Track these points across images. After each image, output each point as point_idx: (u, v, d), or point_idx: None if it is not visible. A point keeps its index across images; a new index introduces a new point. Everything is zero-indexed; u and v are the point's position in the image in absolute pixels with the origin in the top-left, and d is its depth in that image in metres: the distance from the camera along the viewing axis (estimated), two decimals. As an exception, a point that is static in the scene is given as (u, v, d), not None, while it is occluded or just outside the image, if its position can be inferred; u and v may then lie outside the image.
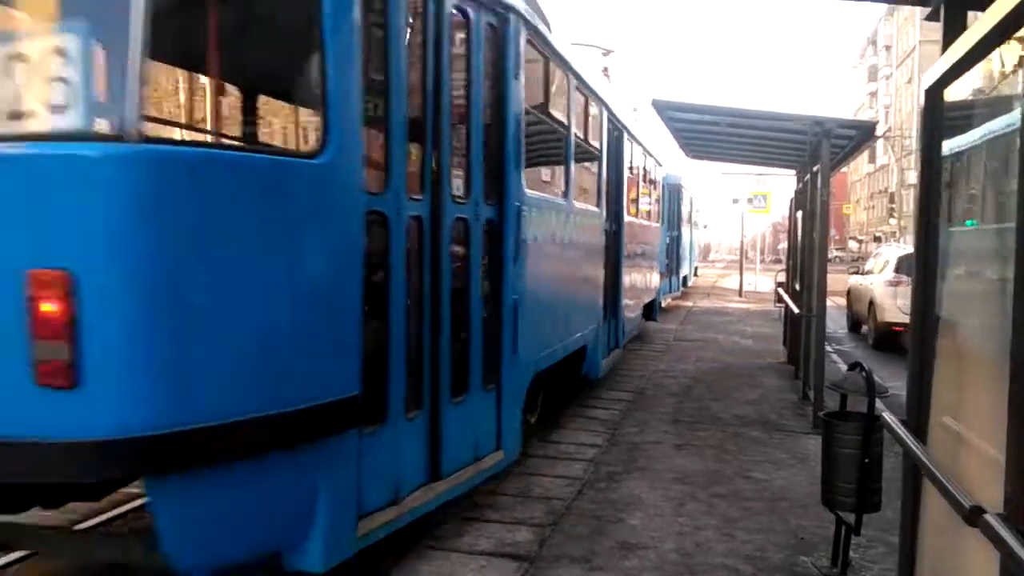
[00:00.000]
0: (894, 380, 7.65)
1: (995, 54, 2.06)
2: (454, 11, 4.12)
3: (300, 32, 3.11)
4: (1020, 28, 1.75)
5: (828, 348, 10.19)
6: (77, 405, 2.55)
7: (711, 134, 9.78)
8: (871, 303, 13.00)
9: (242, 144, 3.96)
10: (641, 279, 11.15)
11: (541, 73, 5.52)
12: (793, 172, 11.93)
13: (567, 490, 5.15)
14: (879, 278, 13.25)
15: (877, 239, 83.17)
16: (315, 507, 3.18)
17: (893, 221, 63.06)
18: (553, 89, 5.82)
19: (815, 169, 7.76)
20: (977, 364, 2.42)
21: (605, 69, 9.21)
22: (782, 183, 22.16)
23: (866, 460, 3.67)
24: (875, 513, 3.88)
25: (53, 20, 2.82)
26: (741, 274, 25.96)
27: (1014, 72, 2.23)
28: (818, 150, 7.26)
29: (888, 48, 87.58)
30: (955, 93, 2.49)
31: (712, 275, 40.13)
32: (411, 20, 3.77)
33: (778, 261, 64.77)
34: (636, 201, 10.54)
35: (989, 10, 1.81)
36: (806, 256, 8.91)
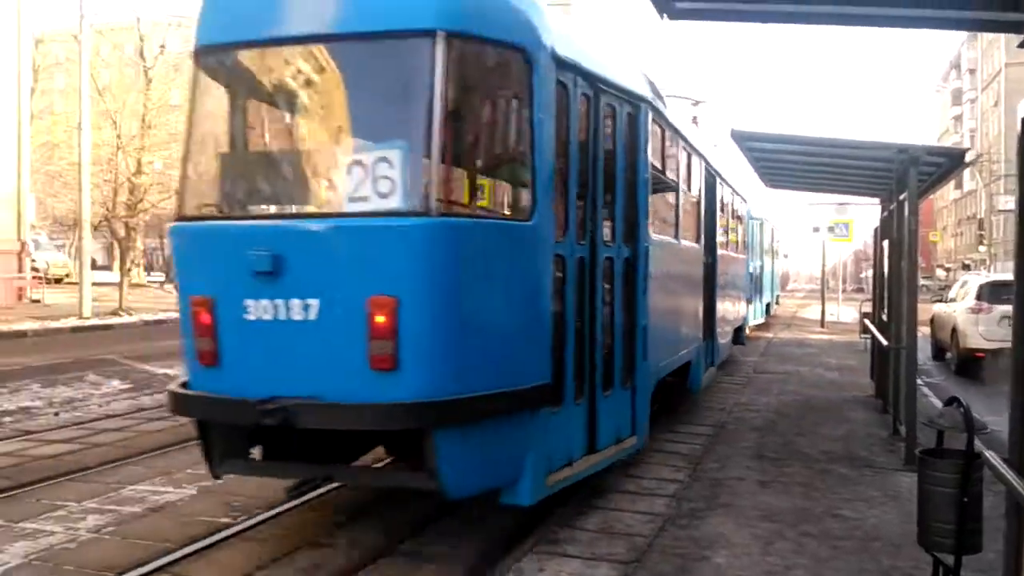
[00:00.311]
0: (977, 404, 7.33)
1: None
2: (605, 107, 5.45)
3: (519, 142, 4.71)
4: None
5: (919, 381, 9.85)
6: (396, 381, 4.02)
7: (791, 163, 9.63)
8: (954, 330, 13.21)
9: (489, 213, 5.63)
10: (731, 306, 12.25)
11: (659, 140, 6.76)
12: (877, 200, 11.62)
13: (649, 526, 5.07)
14: (961, 305, 13.39)
15: (966, 267, 79.94)
16: (526, 459, 4.51)
17: (983, 248, 60.57)
18: (667, 151, 7.14)
19: (902, 197, 7.56)
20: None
21: (695, 118, 10.50)
22: (864, 211, 21.63)
23: (965, 499, 3.52)
24: (975, 555, 3.71)
25: (382, 140, 4.40)
26: (823, 304, 25.29)
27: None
28: (905, 178, 7.08)
29: (972, 71, 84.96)
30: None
31: (792, 305, 39.12)
32: (580, 118, 5.10)
33: (860, 290, 63.07)
34: (726, 235, 11.65)
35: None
36: (894, 286, 8.64)
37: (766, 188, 12.60)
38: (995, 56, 74.38)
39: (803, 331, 22.18)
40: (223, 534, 4.86)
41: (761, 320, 21.02)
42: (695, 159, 8.58)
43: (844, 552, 4.66)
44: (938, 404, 9.21)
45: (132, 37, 41.49)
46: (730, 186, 11.67)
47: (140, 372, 11.82)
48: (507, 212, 5.39)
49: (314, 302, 4.10)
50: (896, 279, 8.33)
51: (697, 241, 8.88)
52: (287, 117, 5.00)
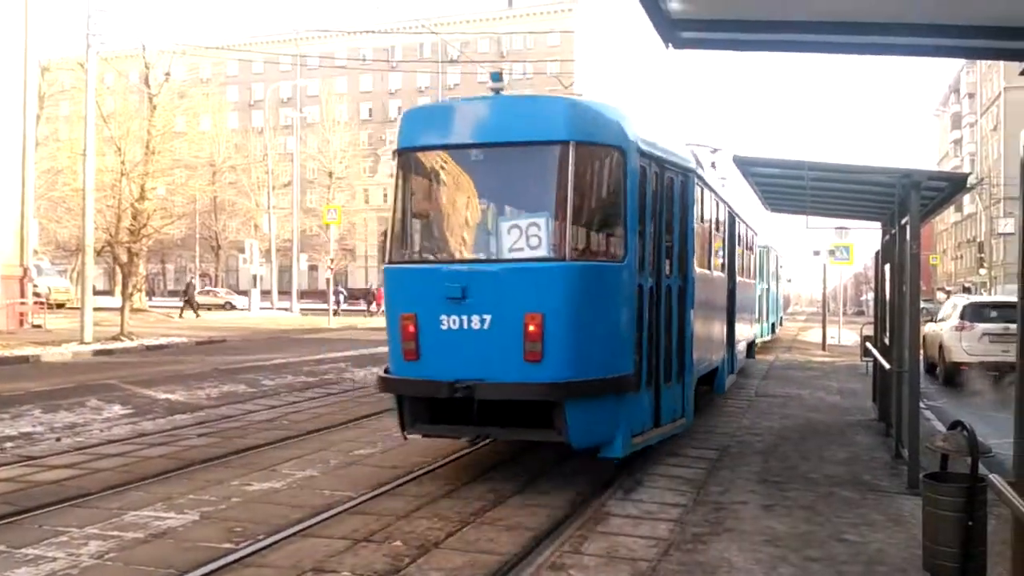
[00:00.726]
0: (980, 427, 7.30)
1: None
2: (667, 179, 7.40)
3: (616, 209, 6.65)
4: None
5: (921, 404, 9.82)
6: (540, 369, 6.04)
7: (792, 188, 9.67)
8: (941, 346, 14.67)
9: (598, 257, 7.03)
10: (746, 323, 14.50)
11: (700, 196, 8.63)
12: (878, 224, 11.65)
13: (653, 551, 5.05)
14: (948, 324, 15.08)
15: (966, 289, 79.88)
16: (619, 425, 6.45)
17: (983, 271, 60.55)
18: (704, 203, 9.10)
19: (903, 221, 7.59)
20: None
21: (713, 164, 11.64)
22: (864, 234, 21.82)
23: (970, 523, 3.51)
24: (982, 580, 3.69)
25: (532, 211, 6.55)
26: (824, 327, 25.28)
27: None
28: (907, 202, 7.10)
29: (971, 96, 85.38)
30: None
31: (793, 328, 39.06)
32: (652, 189, 7.06)
33: (860, 313, 62.95)
34: (742, 263, 13.48)
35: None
36: (895, 310, 8.65)
37: (768, 213, 12.65)
38: (994, 80, 74.81)
39: (805, 354, 22.15)
40: (228, 559, 4.84)
41: (768, 337, 22.71)
42: (721, 205, 10.61)
43: (849, 577, 4.64)
44: (941, 428, 9.19)
45: (137, 64, 41.82)
46: (744, 222, 13.39)
47: (142, 397, 11.81)
48: (609, 256, 6.85)
49: (488, 316, 6.19)
50: (897, 303, 8.34)
51: (723, 271, 10.97)
52: (465, 196, 7.03)
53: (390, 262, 7.00)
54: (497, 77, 9.05)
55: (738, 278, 12.35)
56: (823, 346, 23.97)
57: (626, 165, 6.58)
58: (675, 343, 7.64)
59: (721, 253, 10.87)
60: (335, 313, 45.55)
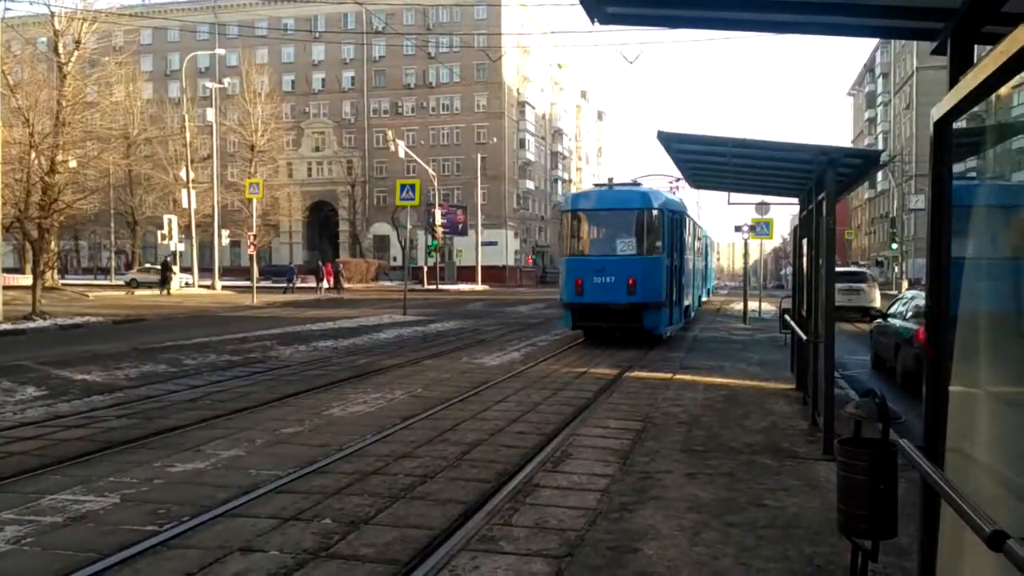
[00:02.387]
0: (890, 396, 7.64)
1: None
2: (677, 217, 18.21)
3: (661, 234, 17.09)
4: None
5: (836, 374, 10.19)
6: (634, 297, 16.57)
7: (715, 164, 9.86)
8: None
9: (653, 252, 17.18)
10: (699, 286, 27.24)
11: (687, 223, 20.13)
12: (796, 200, 11.99)
13: (581, 521, 5.15)
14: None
15: (879, 263, 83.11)
16: (662, 321, 17.03)
17: (895, 246, 62.92)
18: (687, 225, 19.88)
19: (820, 197, 7.83)
20: (994, 389, 2.45)
21: (676, 188, 23.26)
22: (782, 210, 22.90)
23: (881, 486, 3.67)
24: (891, 539, 3.87)
25: (632, 237, 17.25)
26: (745, 301, 25.96)
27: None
28: (823, 178, 7.33)
29: (886, 75, 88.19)
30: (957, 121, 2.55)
31: (716, 301, 40.13)
32: (682, 223, 18.98)
33: (780, 286, 64.72)
34: (697, 251, 24.61)
35: (997, 49, 1.87)
36: (812, 282, 8.93)
37: (692, 190, 12.97)
38: (907, 60, 77.30)
39: (727, 327, 22.74)
40: (151, 541, 4.74)
41: (707, 297, 35.11)
42: (690, 222, 20.76)
43: (768, 540, 4.82)
44: (855, 396, 9.56)
45: (45, 31, 39.92)
46: (699, 225, 25.92)
47: (56, 378, 11.41)
48: (656, 252, 16.66)
49: (612, 278, 16.48)
50: (814, 276, 8.62)
51: (693, 257, 21.27)
52: (600, 228, 17.80)
53: (569, 255, 17.68)
54: (608, 184, 18.80)
55: (697, 262, 24.03)
56: (745, 319, 24.62)
57: (662, 216, 16.92)
58: (677, 290, 17.94)
59: (691, 248, 21.62)
60: (286, 292, 45.01)
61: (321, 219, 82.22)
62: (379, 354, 14.97)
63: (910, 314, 13.75)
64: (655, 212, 16.94)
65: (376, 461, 6.70)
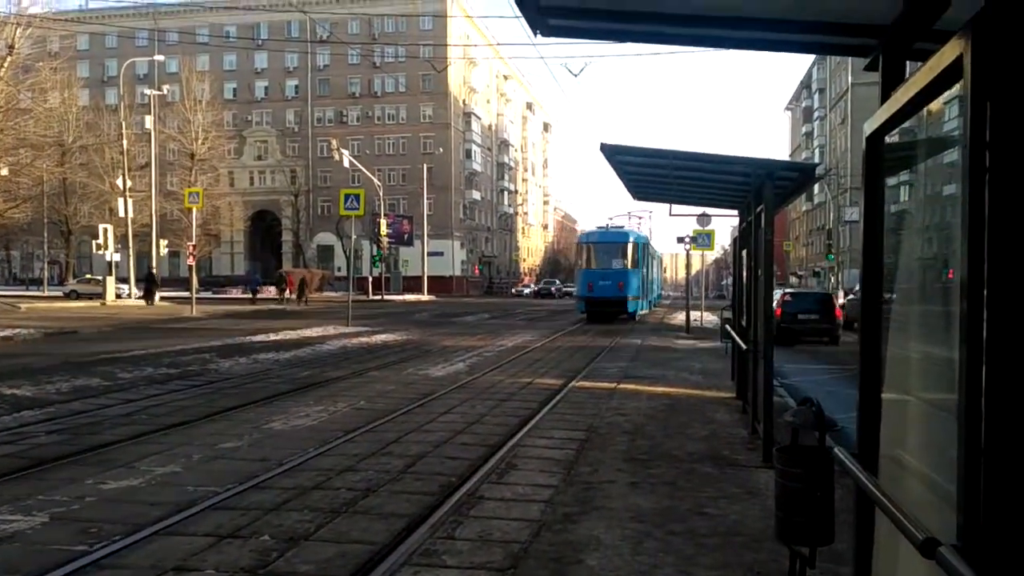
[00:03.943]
0: (831, 403, 7.80)
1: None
2: (644, 248, 34.42)
3: (637, 255, 32.21)
4: (956, 82, 1.84)
5: (776, 383, 10.37)
6: (623, 294, 30.62)
7: (658, 177, 9.98)
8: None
9: (634, 267, 32.34)
10: (654, 290, 42.93)
11: (649, 250, 37.38)
12: (735, 212, 12.20)
13: (525, 532, 5.13)
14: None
15: (816, 274, 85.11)
16: (639, 309, 32.90)
17: (831, 257, 64.55)
18: (649, 251, 37.19)
19: (759, 209, 7.97)
20: (925, 396, 2.50)
21: (641, 219, 44.66)
22: (723, 221, 22.98)
23: (818, 493, 3.73)
24: (828, 545, 3.94)
25: (622, 259, 32.20)
26: (688, 311, 26.34)
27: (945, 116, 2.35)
28: (761, 191, 7.46)
29: (822, 91, 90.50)
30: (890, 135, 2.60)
31: (660, 312, 40.79)
32: (646, 249, 36.01)
33: (721, 297, 65.79)
34: (653, 264, 40.65)
35: (927, 65, 1.91)
36: (751, 293, 9.09)
37: (634, 201, 13.18)
38: (842, 77, 79.49)
39: (670, 337, 23.01)
40: (81, 562, 4.57)
41: (657, 301, 46.31)
42: (651, 247, 38.51)
43: (708, 548, 4.86)
44: (793, 404, 9.74)
45: (-27, 34, 38.65)
46: (653, 247, 41.28)
47: (-16, 393, 10.97)
48: (637, 266, 31.86)
49: (609, 282, 30.37)
50: (753, 287, 8.77)
51: (650, 271, 37.41)
52: (602, 253, 31.89)
53: (584, 268, 31.79)
54: (607, 227, 36.95)
55: (654, 272, 40.34)
56: (687, 329, 24.96)
57: (637, 245, 32.27)
58: (646, 290, 34.35)
59: (650, 265, 37.36)
60: (252, 301, 44.46)
61: (264, 229, 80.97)
62: (322, 366, 14.76)
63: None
64: (632, 242, 32.10)
65: (317, 475, 6.58)
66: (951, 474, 2.27)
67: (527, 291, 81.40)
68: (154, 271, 43.96)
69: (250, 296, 47.72)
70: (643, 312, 34.11)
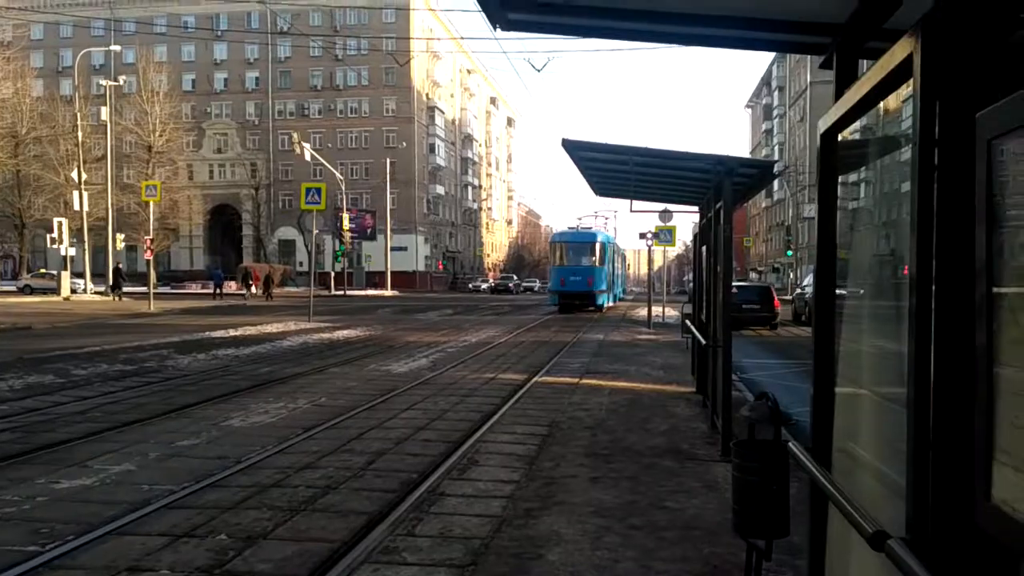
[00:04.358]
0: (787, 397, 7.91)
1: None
2: (613, 247, 43.25)
3: (604, 253, 37.14)
4: (905, 81, 1.87)
5: (735, 377, 10.49)
6: (591, 288, 35.36)
7: (619, 172, 10.01)
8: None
9: (601, 264, 36.63)
10: (620, 285, 51.85)
11: (618, 250, 49.01)
12: (696, 208, 12.30)
13: (486, 528, 5.12)
14: None
15: (776, 270, 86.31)
16: (606, 302, 37.49)
17: (790, 253, 65.54)
18: (617, 251, 48.08)
19: (718, 206, 8.04)
20: (877, 389, 2.54)
21: (607, 220, 53.50)
22: (685, 218, 23.20)
23: (774, 487, 3.77)
24: (784, 538, 3.98)
25: (589, 258, 36.76)
26: (649, 307, 26.50)
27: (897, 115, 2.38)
28: (721, 187, 7.53)
29: (781, 89, 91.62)
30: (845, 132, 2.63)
31: (622, 307, 41.08)
32: (613, 248, 42.97)
33: (683, 292, 66.56)
34: (619, 261, 50.27)
35: (878, 63, 1.93)
36: (711, 288, 9.18)
37: (596, 196, 13.19)
38: (801, 75, 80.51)
39: (632, 332, 23.16)
40: (33, 563, 4.47)
41: (622, 295, 52.78)
42: (616, 246, 46.76)
43: (668, 542, 4.90)
44: (751, 398, 9.85)
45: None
46: (619, 246, 50.69)
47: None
48: (603, 264, 36.23)
49: (579, 277, 34.84)
50: (712, 282, 8.85)
51: (617, 267, 46.02)
52: (572, 251, 36.30)
53: (556, 265, 36.95)
54: (577, 227, 41.26)
55: (620, 268, 49.18)
56: (649, 324, 25.13)
57: (604, 244, 36.61)
58: (612, 284, 39.53)
59: (616, 262, 43.94)
60: (215, 297, 43.98)
61: (224, 223, 79.93)
62: (282, 362, 14.61)
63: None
64: (600, 242, 36.43)
65: (276, 473, 6.51)
66: (902, 467, 2.31)
67: (484, 286, 78.73)
68: (120, 266, 43.34)
69: (212, 292, 47.15)
70: (609, 304, 38.52)
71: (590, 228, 42.27)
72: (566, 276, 35.60)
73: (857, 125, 2.67)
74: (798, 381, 12.77)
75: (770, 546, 3.87)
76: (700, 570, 4.46)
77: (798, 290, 34.51)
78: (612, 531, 5.08)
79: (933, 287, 1.70)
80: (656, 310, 27.44)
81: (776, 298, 26.47)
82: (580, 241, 36.83)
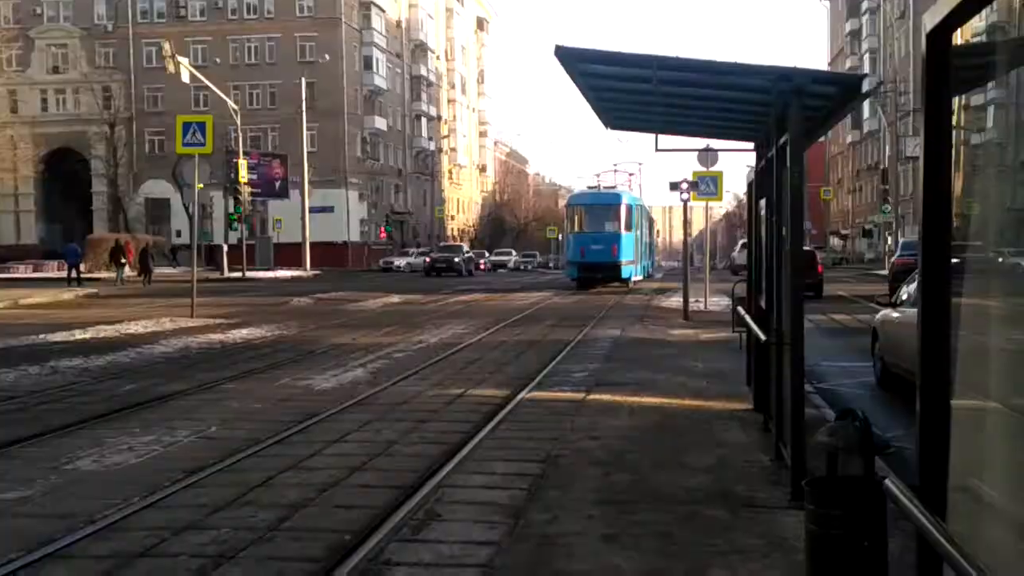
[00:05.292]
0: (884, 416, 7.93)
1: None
2: (640, 209, 53.75)
3: (631, 217, 47.02)
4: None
5: (809, 387, 10.52)
6: (616, 259, 44.04)
7: (639, 95, 9.97)
8: None
9: (628, 230, 47.47)
10: (648, 258, 62.34)
11: (647, 213, 64.04)
12: (751, 146, 12.29)
13: (452, 610, 5.14)
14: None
15: (867, 232, 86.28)
16: (634, 274, 46.85)
17: (887, 208, 65.48)
18: (644, 214, 59.40)
19: (782, 141, 8.03)
20: (1011, 402, 2.54)
21: (631, 174, 64.73)
22: (735, 160, 23.21)
23: (865, 543, 3.80)
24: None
25: (612, 221, 46.56)
26: (686, 289, 26.49)
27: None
28: (786, 115, 7.52)
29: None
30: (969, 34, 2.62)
31: (646, 288, 41.50)
32: (640, 211, 54.46)
33: (733, 268, 66.80)
34: (645, 231, 58.72)
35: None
36: (773, 260, 9.16)
37: (607, 130, 13.02)
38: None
39: (661, 325, 23.26)
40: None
41: (651, 268, 62.95)
42: (644, 209, 59.18)
43: (716, 626, 4.93)
44: (832, 417, 9.94)
45: None
46: (648, 211, 66.21)
47: None
48: (631, 229, 46.18)
49: (601, 246, 43.69)
50: (776, 251, 8.82)
51: (650, 232, 66.37)
52: (592, 216, 46.57)
53: (572, 232, 47.36)
54: (597, 187, 55.17)
55: (646, 239, 57.29)
56: (685, 314, 25.17)
57: (631, 208, 46.85)
58: (640, 254, 49.63)
59: (644, 228, 54.93)
60: (70, 283, 44.01)
61: (65, 175, 79.34)
62: (153, 377, 14.59)
63: None
64: (626, 205, 45.47)
65: (145, 538, 6.49)
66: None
67: (402, 263, 74.34)
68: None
69: (67, 276, 46.80)
70: (638, 278, 47.77)
71: (614, 187, 53.86)
72: (586, 245, 44.44)
73: (982, 22, 2.66)
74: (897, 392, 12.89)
75: (860, 629, 3.90)
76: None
77: (894, 259, 34.51)
78: (634, 612, 5.11)
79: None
80: (696, 294, 27.52)
81: (820, 263, 33.90)
82: (602, 204, 46.67)
